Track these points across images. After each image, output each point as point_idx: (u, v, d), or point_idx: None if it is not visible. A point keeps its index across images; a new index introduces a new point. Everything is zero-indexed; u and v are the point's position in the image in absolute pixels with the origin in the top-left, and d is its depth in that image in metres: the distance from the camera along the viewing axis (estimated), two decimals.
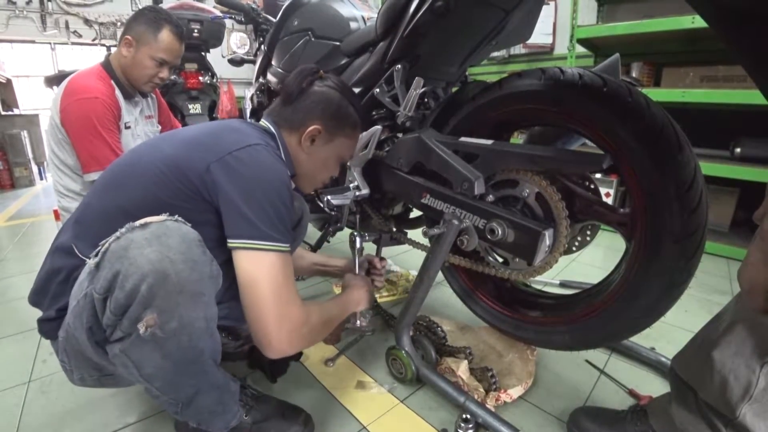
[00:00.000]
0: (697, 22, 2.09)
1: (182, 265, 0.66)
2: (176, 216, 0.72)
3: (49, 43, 5.15)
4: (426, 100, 1.26)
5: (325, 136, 0.98)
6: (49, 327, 0.80)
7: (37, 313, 0.84)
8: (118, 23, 5.28)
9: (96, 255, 0.67)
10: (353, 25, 1.41)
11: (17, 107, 4.86)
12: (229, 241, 0.78)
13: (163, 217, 0.70)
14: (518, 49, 3.67)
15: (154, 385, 0.72)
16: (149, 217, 0.69)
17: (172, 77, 2.75)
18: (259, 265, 0.77)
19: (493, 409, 1.00)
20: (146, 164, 0.81)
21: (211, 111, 3.12)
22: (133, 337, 0.66)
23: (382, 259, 1.32)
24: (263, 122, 0.98)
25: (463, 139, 1.03)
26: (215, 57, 3.22)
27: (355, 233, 1.28)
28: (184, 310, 0.66)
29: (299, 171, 1.01)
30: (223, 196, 0.78)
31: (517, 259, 1.00)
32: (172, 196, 0.78)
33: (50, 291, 0.80)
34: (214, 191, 0.78)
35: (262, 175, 0.80)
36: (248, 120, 0.98)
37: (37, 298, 0.83)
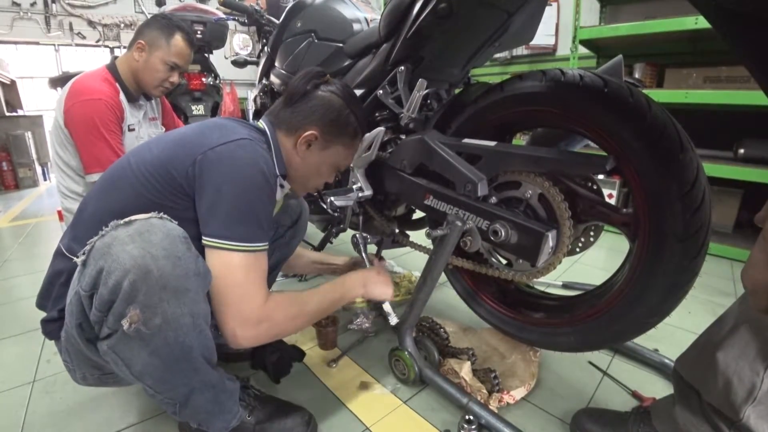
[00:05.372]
0: (700, 22, 2.08)
1: (164, 261, 0.66)
2: (161, 213, 0.72)
3: (53, 45, 5.18)
4: (429, 101, 1.26)
5: (321, 142, 0.96)
6: (51, 327, 0.82)
7: (41, 313, 0.85)
8: (122, 25, 5.31)
9: (83, 253, 0.68)
10: (356, 26, 1.41)
11: (21, 108, 4.89)
12: (202, 238, 0.78)
13: (148, 215, 0.71)
14: (521, 50, 3.67)
15: (146, 383, 0.72)
16: (135, 215, 0.70)
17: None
18: (224, 264, 0.77)
19: (495, 411, 1.00)
20: (135, 166, 0.82)
21: (214, 112, 3.12)
22: (119, 334, 0.66)
23: (381, 258, 1.33)
24: (260, 122, 0.97)
25: (466, 140, 1.03)
26: (218, 58, 3.23)
27: (357, 234, 1.28)
28: (168, 306, 0.66)
29: (292, 174, 1.00)
30: (199, 191, 0.79)
31: (521, 261, 1.00)
32: (159, 196, 0.79)
33: (53, 293, 0.82)
34: (195, 187, 0.79)
35: (238, 170, 0.80)
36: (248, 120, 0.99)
37: (42, 301, 0.85)
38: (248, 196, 0.80)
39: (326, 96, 0.96)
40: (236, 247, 0.78)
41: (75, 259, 0.70)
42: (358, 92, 1.24)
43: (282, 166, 0.96)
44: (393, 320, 1.15)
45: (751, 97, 1.98)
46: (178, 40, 1.59)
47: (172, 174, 0.79)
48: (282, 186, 1.00)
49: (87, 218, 0.82)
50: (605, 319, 0.92)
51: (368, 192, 1.24)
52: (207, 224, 0.78)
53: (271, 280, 1.22)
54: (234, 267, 0.78)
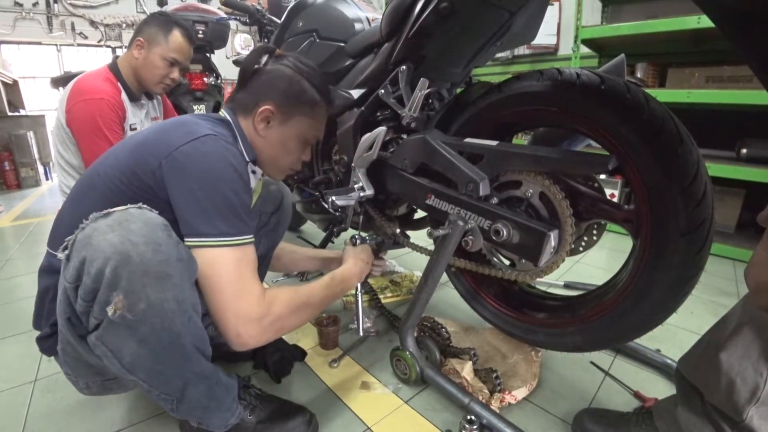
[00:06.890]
0: (702, 22, 2.08)
1: (144, 247, 0.66)
2: (141, 204, 0.72)
3: (55, 45, 5.20)
4: (431, 101, 1.26)
5: (279, 116, 0.94)
6: (47, 344, 0.82)
7: None
8: (123, 25, 5.32)
9: (65, 248, 0.68)
10: (358, 26, 1.41)
11: (23, 108, 4.90)
12: (185, 239, 0.76)
13: (126, 206, 0.70)
14: (522, 50, 3.67)
15: (139, 377, 0.71)
16: (113, 208, 0.70)
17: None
18: (212, 262, 0.76)
19: (497, 411, 1.00)
20: (104, 173, 0.81)
21: (216, 112, 3.13)
22: (105, 323, 0.66)
23: (381, 259, 1.32)
24: (222, 111, 0.96)
25: (467, 140, 1.03)
26: (220, 58, 3.23)
27: (356, 236, 1.27)
28: (151, 291, 0.66)
29: (260, 157, 0.98)
30: (172, 193, 0.77)
31: (523, 261, 1.00)
32: (129, 201, 0.76)
33: (44, 311, 0.82)
34: (167, 189, 0.78)
35: (208, 167, 0.78)
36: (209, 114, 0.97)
37: (38, 321, 0.85)
38: (222, 190, 0.78)
39: (276, 68, 0.95)
40: (221, 242, 0.77)
41: (58, 255, 0.69)
42: (360, 92, 1.24)
43: (251, 151, 0.94)
44: (361, 329, 1.19)
45: (753, 96, 1.98)
46: (176, 35, 1.59)
47: (140, 177, 0.78)
48: (254, 172, 0.99)
49: (63, 227, 0.81)
50: (612, 317, 0.92)
51: (370, 191, 1.24)
52: (187, 225, 0.76)
53: (262, 270, 1.20)
54: (223, 263, 0.77)
